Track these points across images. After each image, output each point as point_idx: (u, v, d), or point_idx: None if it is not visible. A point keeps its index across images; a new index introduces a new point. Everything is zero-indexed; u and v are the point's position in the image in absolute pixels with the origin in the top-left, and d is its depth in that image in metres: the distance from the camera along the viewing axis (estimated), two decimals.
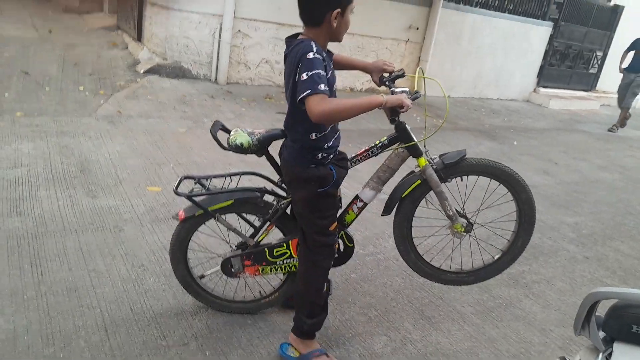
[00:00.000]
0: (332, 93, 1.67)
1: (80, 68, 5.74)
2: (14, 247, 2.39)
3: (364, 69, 2.03)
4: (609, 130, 7.95)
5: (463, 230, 2.08)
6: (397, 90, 1.85)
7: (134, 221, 2.81)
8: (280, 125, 1.94)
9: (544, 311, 2.63)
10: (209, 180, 1.98)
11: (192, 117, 4.86)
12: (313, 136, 1.74)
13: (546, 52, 9.59)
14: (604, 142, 7.23)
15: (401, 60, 7.98)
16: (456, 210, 2.10)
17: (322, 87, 1.53)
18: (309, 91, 1.52)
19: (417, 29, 7.84)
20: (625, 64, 8.06)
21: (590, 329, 1.24)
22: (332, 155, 1.84)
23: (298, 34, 1.72)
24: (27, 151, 3.45)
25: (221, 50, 6.21)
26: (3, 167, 3.16)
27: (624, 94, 8.01)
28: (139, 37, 6.91)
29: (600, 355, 1.20)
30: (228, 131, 1.93)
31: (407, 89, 1.86)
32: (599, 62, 10.73)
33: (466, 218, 2.12)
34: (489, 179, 2.11)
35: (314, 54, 1.57)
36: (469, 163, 2.03)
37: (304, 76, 1.54)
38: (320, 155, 1.79)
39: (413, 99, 1.83)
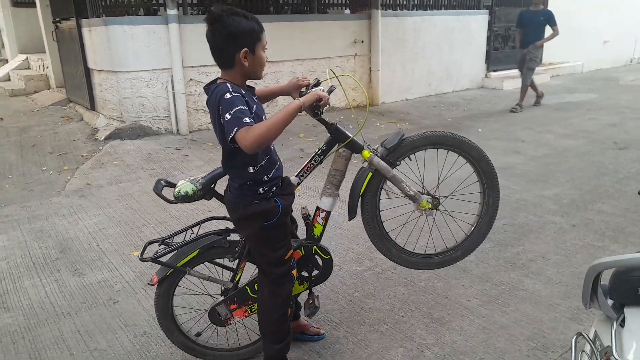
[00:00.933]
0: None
1: (39, 148, 5.65)
2: (9, 344, 2.30)
3: (282, 92, 2.06)
4: (512, 111, 7.53)
5: (430, 206, 2.11)
6: (320, 88, 1.88)
7: (126, 290, 2.75)
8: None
9: (546, 287, 2.67)
10: (172, 238, 1.98)
11: (162, 173, 4.83)
12: (251, 169, 1.77)
13: (488, 38, 9.93)
14: (563, 111, 7.46)
15: (353, 74, 8.12)
16: (418, 191, 2.13)
17: (247, 119, 1.58)
18: (236, 128, 1.56)
19: (362, 42, 8.02)
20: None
21: (599, 300, 1.27)
22: (275, 187, 1.86)
23: (216, 79, 1.76)
24: (2, 244, 3.36)
25: (177, 102, 6.22)
26: None
27: (521, 71, 7.74)
28: (92, 106, 6.87)
29: (614, 323, 1.22)
30: (174, 185, 1.93)
31: (319, 87, 1.90)
32: None
33: (429, 194, 2.15)
34: (435, 149, 2.13)
35: (230, 94, 1.61)
36: (410, 140, 2.08)
37: (227, 116, 1.58)
38: (261, 189, 1.81)
39: (329, 92, 1.87)
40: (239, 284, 2.06)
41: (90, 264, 3.06)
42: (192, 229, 2.02)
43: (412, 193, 2.08)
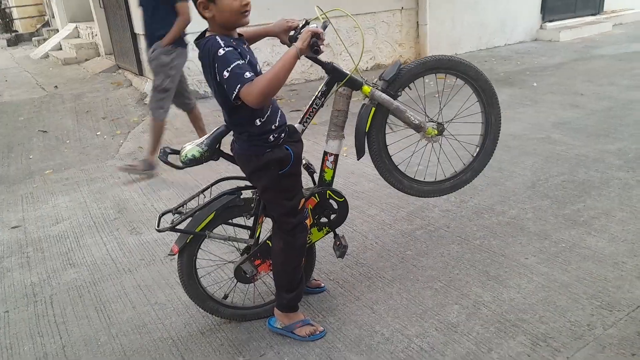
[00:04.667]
0: (257, 73, 1.65)
1: (93, 114, 5.83)
2: (76, 297, 2.43)
3: (269, 33, 1.96)
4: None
5: (436, 132, 2.12)
6: (311, 26, 1.77)
7: None
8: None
9: (611, 245, 2.54)
10: (184, 206, 1.98)
11: None
12: (257, 122, 1.73)
13: None
14: (627, 62, 6.94)
15: (400, 29, 7.84)
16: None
17: (247, 74, 1.53)
18: (238, 85, 1.52)
19: None
20: None
21: None
22: (283, 134, 1.83)
23: (205, 32, 1.68)
24: (65, 205, 3.52)
25: None
26: (47, 225, 3.23)
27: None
28: (140, 71, 6.99)
29: None
30: (178, 152, 1.91)
31: (310, 25, 1.80)
32: None
33: (433, 121, 2.14)
34: (434, 74, 2.15)
35: (223, 49, 1.55)
36: (408, 69, 2.06)
37: (225, 74, 1.53)
38: (271, 137, 1.78)
39: (323, 28, 1.79)
40: (260, 240, 2.08)
41: (146, 223, 3.16)
42: (204, 193, 2.02)
43: (417, 122, 2.05)
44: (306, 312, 2.18)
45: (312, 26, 1.74)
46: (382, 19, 7.60)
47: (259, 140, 1.77)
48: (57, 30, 11.62)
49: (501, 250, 2.57)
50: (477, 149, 2.34)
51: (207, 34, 1.66)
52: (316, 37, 1.64)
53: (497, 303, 2.18)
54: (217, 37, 1.59)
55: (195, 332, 2.13)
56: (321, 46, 1.66)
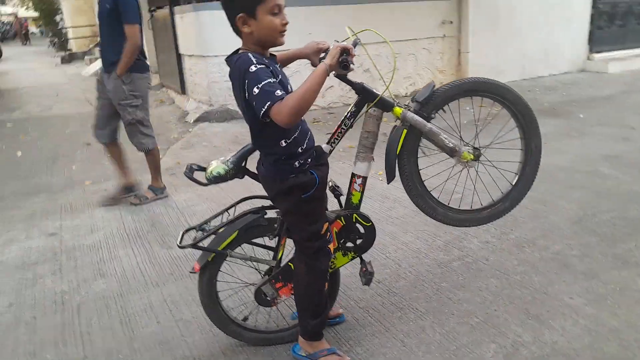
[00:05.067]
0: (288, 94, 1.59)
1: None
2: (103, 308, 2.42)
3: (300, 55, 1.91)
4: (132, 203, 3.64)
5: (472, 157, 2.00)
6: (339, 42, 1.71)
7: None
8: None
9: None
10: (208, 223, 1.95)
11: None
12: (283, 143, 1.68)
13: (592, 16, 9.05)
14: None
15: (441, 57, 7.79)
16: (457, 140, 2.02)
17: (279, 92, 1.48)
18: (269, 103, 1.47)
19: (451, 22, 7.65)
20: None
21: None
22: (310, 159, 1.77)
23: (238, 50, 1.65)
24: (101, 216, 3.57)
25: None
26: (82, 234, 3.27)
27: None
28: (183, 90, 7.17)
29: None
30: (204, 169, 1.88)
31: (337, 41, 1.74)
32: None
33: (469, 144, 2.04)
34: (469, 97, 2.03)
35: (255, 66, 1.51)
36: (443, 90, 1.97)
37: (256, 90, 1.49)
38: (297, 163, 1.72)
39: (353, 45, 1.73)
40: (282, 262, 2.02)
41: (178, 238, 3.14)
42: (228, 211, 1.99)
43: (451, 145, 1.94)
44: (332, 340, 2.09)
45: (337, 43, 1.68)
46: (424, 46, 7.57)
47: (285, 164, 1.72)
48: None
49: (543, 288, 2.41)
50: (516, 177, 2.22)
51: (240, 52, 1.63)
52: (345, 52, 1.59)
53: (537, 345, 2.02)
54: (249, 54, 1.57)
55: (218, 352, 2.07)
56: (351, 64, 1.62)
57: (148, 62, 3.74)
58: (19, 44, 29.16)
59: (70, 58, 15.44)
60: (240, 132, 5.71)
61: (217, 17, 6.03)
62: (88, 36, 16.39)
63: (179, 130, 5.88)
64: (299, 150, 1.72)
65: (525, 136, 2.13)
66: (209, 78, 6.24)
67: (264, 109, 1.49)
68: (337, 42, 1.81)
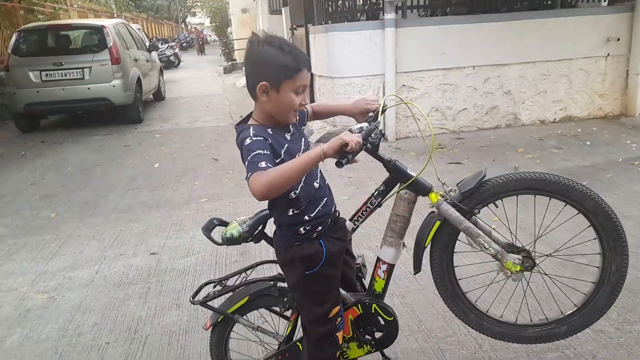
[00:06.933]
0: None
1: None
2: (165, 344, 2.50)
3: (345, 112, 1.73)
4: None
5: (519, 268, 1.61)
6: (353, 128, 1.52)
7: None
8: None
9: None
10: (228, 280, 1.86)
11: (357, 182, 4.78)
12: (290, 212, 1.57)
13: None
14: None
15: (602, 78, 6.74)
16: (505, 246, 1.65)
17: (263, 164, 1.40)
18: (249, 174, 1.41)
19: (618, 39, 6.56)
20: None
21: None
22: (320, 227, 1.58)
23: (248, 116, 1.59)
24: (200, 238, 3.74)
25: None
26: (177, 257, 3.47)
27: None
28: None
29: None
30: (226, 224, 1.80)
31: (364, 125, 1.57)
32: None
33: (522, 251, 1.65)
34: (532, 195, 1.67)
35: (250, 139, 1.46)
36: (495, 183, 1.65)
37: (246, 163, 1.44)
38: (302, 229, 1.58)
39: (366, 134, 1.51)
40: (293, 338, 1.85)
41: (261, 273, 3.14)
42: (246, 272, 1.89)
43: (492, 251, 1.60)
44: None
45: (349, 132, 1.47)
46: (580, 67, 6.62)
47: (289, 230, 1.61)
48: None
49: None
50: (585, 299, 1.77)
51: (249, 122, 1.57)
52: (345, 146, 1.37)
53: None
54: (251, 127, 1.50)
55: None
56: (348, 162, 1.41)
57: None
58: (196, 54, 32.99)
59: (232, 68, 16.96)
60: (358, 156, 5.59)
61: (346, 39, 6.06)
62: None
63: None
64: (306, 217, 1.59)
65: (604, 253, 1.68)
66: (335, 99, 6.26)
67: (247, 179, 1.42)
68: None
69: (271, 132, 1.51)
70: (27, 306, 2.95)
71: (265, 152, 1.44)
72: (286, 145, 1.52)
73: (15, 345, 2.58)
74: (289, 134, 1.58)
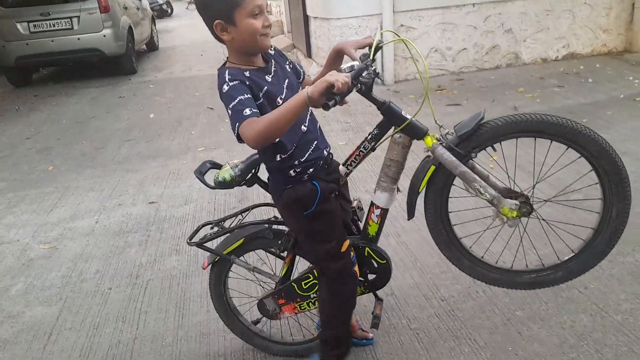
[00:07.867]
0: (274, 107, 1.40)
1: None
2: (166, 288, 2.56)
3: (340, 51, 1.63)
4: None
5: (516, 214, 1.56)
6: (343, 67, 1.45)
7: None
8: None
9: None
10: (225, 222, 1.86)
11: (354, 127, 4.73)
12: (277, 157, 1.56)
13: None
14: None
15: (607, 12, 6.52)
16: (503, 190, 1.61)
17: (247, 111, 1.36)
18: (237, 123, 1.37)
19: None
20: None
21: None
22: (311, 169, 1.56)
23: (225, 63, 1.53)
24: (198, 186, 3.75)
25: (384, 49, 5.95)
26: (175, 205, 3.49)
27: None
28: (308, 53, 7.14)
29: None
30: (220, 166, 1.77)
31: (355, 63, 1.48)
32: None
33: (520, 196, 1.61)
34: (532, 138, 1.59)
35: (227, 84, 1.41)
36: (493, 125, 1.55)
37: (229, 111, 1.40)
38: (293, 171, 1.56)
39: (358, 72, 1.43)
40: (289, 278, 1.88)
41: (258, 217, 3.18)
42: (243, 214, 1.90)
43: (488, 196, 1.55)
44: None
45: (348, 65, 1.43)
46: (584, 1, 6.39)
47: (280, 175, 1.60)
48: None
49: None
50: (582, 245, 1.73)
51: (226, 65, 1.51)
52: (331, 87, 1.29)
53: None
54: (226, 71, 1.44)
55: (250, 356, 2.05)
56: (335, 104, 1.33)
57: None
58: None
59: None
60: (353, 101, 5.51)
61: None
62: None
63: None
64: (296, 161, 1.57)
65: (606, 198, 1.61)
66: (331, 42, 6.07)
67: (235, 129, 1.38)
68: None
69: (248, 75, 1.45)
70: (30, 256, 3.01)
71: (246, 95, 1.39)
72: (265, 87, 1.47)
73: (20, 293, 2.65)
74: (270, 76, 1.52)
